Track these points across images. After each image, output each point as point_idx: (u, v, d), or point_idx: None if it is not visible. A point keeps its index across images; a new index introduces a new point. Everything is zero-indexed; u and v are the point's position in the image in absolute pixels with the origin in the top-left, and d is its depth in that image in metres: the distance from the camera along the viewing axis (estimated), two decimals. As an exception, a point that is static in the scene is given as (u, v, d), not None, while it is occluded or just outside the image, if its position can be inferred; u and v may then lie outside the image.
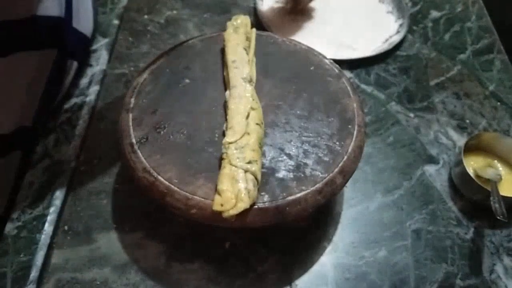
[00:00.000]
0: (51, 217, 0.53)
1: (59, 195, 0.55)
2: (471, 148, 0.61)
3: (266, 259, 0.52)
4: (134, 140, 0.47)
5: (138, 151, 0.46)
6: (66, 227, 0.54)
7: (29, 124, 0.59)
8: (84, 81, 0.68)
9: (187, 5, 0.83)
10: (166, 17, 0.81)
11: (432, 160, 0.63)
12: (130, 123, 0.48)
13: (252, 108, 0.48)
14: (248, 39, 0.56)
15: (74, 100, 0.65)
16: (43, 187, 0.56)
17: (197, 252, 0.52)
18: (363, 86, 0.72)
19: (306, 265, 0.52)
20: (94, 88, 0.67)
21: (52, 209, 0.54)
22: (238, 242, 0.53)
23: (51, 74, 0.60)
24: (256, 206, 0.43)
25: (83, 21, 0.67)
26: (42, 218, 0.53)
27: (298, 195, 0.44)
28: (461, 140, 0.65)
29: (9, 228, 0.53)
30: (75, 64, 0.67)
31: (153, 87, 0.52)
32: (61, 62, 0.63)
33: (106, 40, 0.74)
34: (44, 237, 0.52)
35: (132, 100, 0.51)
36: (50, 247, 0.52)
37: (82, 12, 0.67)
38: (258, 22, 0.78)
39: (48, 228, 0.53)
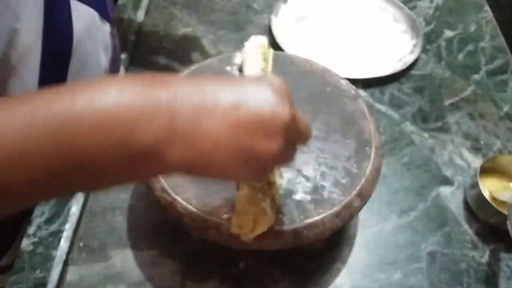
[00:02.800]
0: (67, 233, 0.54)
1: (75, 211, 0.56)
2: (487, 170, 0.61)
3: (280, 280, 0.52)
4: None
5: (157, 171, 0.46)
6: (81, 244, 0.54)
7: None
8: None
9: (202, 22, 0.84)
10: (181, 34, 0.81)
11: (447, 181, 0.63)
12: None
13: (270, 129, 0.48)
14: (265, 59, 0.57)
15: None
16: (59, 203, 0.56)
17: (212, 271, 0.52)
18: (377, 105, 0.72)
19: (320, 286, 0.52)
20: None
21: (68, 225, 0.54)
22: (252, 262, 0.53)
23: None
24: (274, 229, 0.43)
25: None
26: (58, 234, 0.54)
27: (316, 218, 0.44)
28: (475, 162, 0.65)
29: (25, 244, 0.53)
30: None
31: (171, 106, 0.53)
32: None
33: (123, 56, 0.75)
34: (60, 253, 0.52)
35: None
36: (65, 264, 0.52)
37: None
38: (273, 40, 0.79)
39: (64, 244, 0.53)
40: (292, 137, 0.33)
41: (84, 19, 0.56)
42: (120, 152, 0.28)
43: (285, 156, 0.34)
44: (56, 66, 0.54)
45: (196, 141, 0.29)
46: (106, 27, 0.63)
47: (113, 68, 0.68)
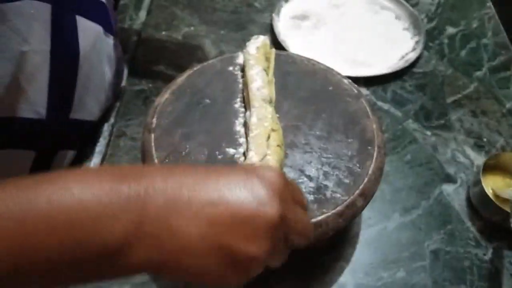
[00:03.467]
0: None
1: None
2: (490, 168, 0.61)
3: (284, 279, 0.52)
4: (156, 161, 0.48)
5: (160, 172, 0.47)
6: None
7: None
8: (104, 98, 0.69)
9: (204, 22, 0.84)
10: (183, 34, 0.82)
11: (449, 179, 0.63)
12: (153, 144, 0.49)
13: (273, 130, 0.48)
14: (267, 59, 0.57)
15: (94, 117, 0.66)
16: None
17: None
18: (379, 103, 0.72)
19: (324, 285, 0.52)
20: (113, 105, 0.68)
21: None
22: (256, 261, 0.53)
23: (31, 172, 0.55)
24: (277, 229, 0.43)
25: (90, 107, 0.61)
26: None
27: (319, 218, 0.44)
28: (478, 159, 0.65)
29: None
30: (70, 153, 0.60)
31: (174, 107, 0.53)
32: (40, 162, 0.57)
33: (125, 57, 0.75)
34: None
35: (154, 120, 0.51)
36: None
37: (89, 98, 0.60)
38: (274, 39, 0.79)
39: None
40: (282, 239, 0.30)
41: (90, 35, 0.57)
42: (78, 254, 0.26)
43: (273, 259, 0.31)
44: (63, 84, 0.55)
45: (164, 241, 0.27)
46: (110, 40, 0.64)
47: (117, 80, 0.69)
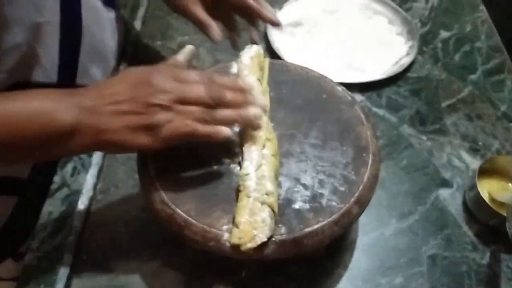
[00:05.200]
0: (70, 247, 0.54)
1: (77, 224, 0.56)
2: (485, 172, 0.61)
3: (282, 287, 0.52)
4: (152, 172, 0.48)
5: (157, 183, 0.47)
6: (85, 257, 0.55)
7: None
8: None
9: (199, 31, 0.83)
10: (178, 43, 0.82)
11: (445, 183, 0.63)
12: (148, 155, 0.49)
13: (267, 139, 0.48)
14: (261, 68, 0.57)
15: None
16: (62, 217, 0.57)
17: (214, 280, 0.53)
18: (374, 109, 0.72)
19: (322, 293, 0.53)
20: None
21: (71, 239, 0.55)
22: (254, 270, 0.53)
23: (11, 218, 0.63)
24: (273, 239, 0.43)
25: (93, 73, 0.66)
26: (61, 248, 0.54)
27: (315, 226, 0.44)
28: (474, 163, 0.66)
29: (29, 258, 0.53)
30: None
31: (170, 118, 0.53)
32: (22, 208, 0.63)
33: (121, 68, 0.75)
34: (64, 266, 0.53)
35: (149, 132, 0.51)
36: (70, 277, 0.53)
37: (92, 66, 0.66)
38: (269, 47, 0.79)
39: (67, 257, 0.54)
40: (145, 100, 0.42)
41: (91, 7, 0.62)
42: (43, 137, 0.41)
43: (157, 114, 0.42)
44: (70, 52, 0.61)
45: (96, 129, 0.41)
46: (112, 14, 0.68)
47: (119, 53, 0.74)
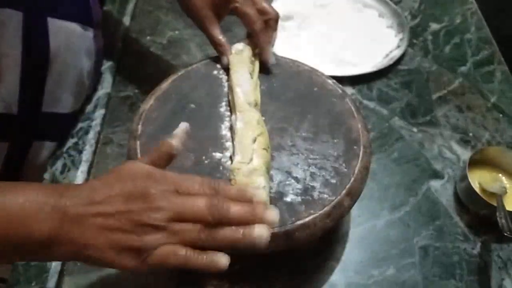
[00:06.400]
0: (61, 244, 0.54)
1: (68, 221, 0.56)
2: (476, 163, 0.61)
3: (276, 281, 0.52)
4: (142, 168, 0.47)
5: (147, 179, 0.47)
6: (76, 254, 0.54)
7: None
8: (89, 106, 0.69)
9: (189, 25, 0.83)
10: (168, 38, 0.81)
11: (437, 175, 0.63)
12: (138, 151, 0.49)
13: (259, 133, 0.48)
14: (252, 62, 0.57)
15: (80, 125, 0.66)
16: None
17: (207, 276, 0.52)
18: (365, 102, 0.72)
19: (316, 285, 0.53)
20: (100, 112, 0.68)
21: (62, 236, 0.54)
22: (247, 264, 0.53)
23: (4, 166, 0.61)
24: (265, 232, 0.43)
25: (64, 100, 0.63)
26: (52, 246, 0.54)
27: (307, 219, 0.44)
28: (465, 154, 0.66)
29: (20, 256, 0.53)
30: (49, 144, 0.63)
31: (159, 113, 0.53)
32: (14, 152, 0.61)
33: (109, 63, 0.75)
34: (55, 264, 0.52)
35: (139, 127, 0.51)
36: (61, 275, 0.52)
37: (62, 92, 0.62)
38: (260, 40, 0.79)
39: (58, 255, 0.53)
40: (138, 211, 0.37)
41: (62, 34, 0.59)
42: (17, 242, 0.36)
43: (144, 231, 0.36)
44: (34, 82, 0.58)
45: (76, 242, 0.36)
46: (89, 33, 0.64)
47: (97, 70, 0.71)
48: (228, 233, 0.38)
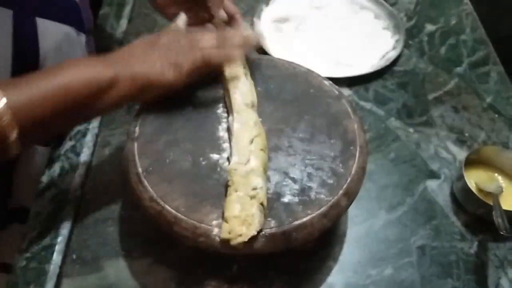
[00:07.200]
0: (59, 247, 0.54)
1: (66, 224, 0.56)
2: (472, 162, 0.62)
3: (274, 281, 0.53)
4: (140, 170, 0.48)
5: (145, 181, 0.47)
6: (74, 256, 0.54)
7: None
8: (87, 108, 0.69)
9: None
10: (165, 40, 0.81)
11: (433, 175, 0.64)
12: (136, 152, 0.49)
13: (256, 134, 0.49)
14: (245, 63, 0.57)
15: (77, 128, 0.66)
16: (50, 217, 0.56)
17: (206, 276, 0.53)
18: (362, 103, 0.73)
19: (313, 285, 0.53)
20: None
21: (60, 239, 0.54)
22: (245, 264, 0.53)
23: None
24: (263, 233, 0.43)
25: None
26: (50, 248, 0.54)
27: (304, 219, 0.44)
28: (461, 154, 0.66)
29: (18, 259, 0.53)
30: (41, 149, 0.65)
31: (157, 115, 0.53)
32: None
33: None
34: (53, 267, 0.52)
35: (137, 129, 0.51)
36: (59, 277, 0.52)
37: None
38: (256, 42, 0.79)
39: (56, 257, 0.53)
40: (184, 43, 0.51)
41: (53, 35, 0.59)
42: (92, 89, 0.46)
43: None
44: None
45: (132, 75, 0.48)
46: (82, 38, 0.65)
47: None
48: (233, 36, 0.54)
